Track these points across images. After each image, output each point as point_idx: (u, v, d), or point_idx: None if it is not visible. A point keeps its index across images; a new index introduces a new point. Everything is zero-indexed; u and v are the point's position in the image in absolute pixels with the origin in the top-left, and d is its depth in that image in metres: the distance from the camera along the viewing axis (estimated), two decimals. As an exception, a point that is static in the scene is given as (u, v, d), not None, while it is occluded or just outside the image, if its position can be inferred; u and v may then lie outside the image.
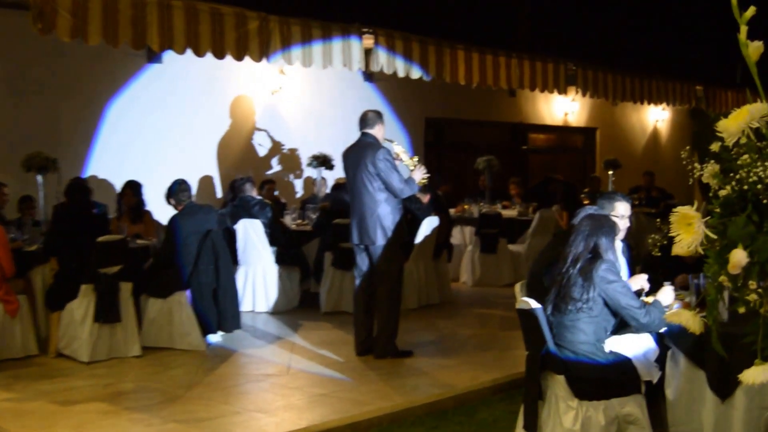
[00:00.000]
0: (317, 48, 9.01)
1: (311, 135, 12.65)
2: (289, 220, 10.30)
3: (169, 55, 10.56)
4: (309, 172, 12.46)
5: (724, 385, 4.36)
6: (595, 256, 4.54)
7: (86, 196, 8.04)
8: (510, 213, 12.31)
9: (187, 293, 7.67)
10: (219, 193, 11.67)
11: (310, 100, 12.82)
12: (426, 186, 8.66)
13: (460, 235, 12.05)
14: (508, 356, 7.38)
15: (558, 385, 4.51)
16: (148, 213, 9.22)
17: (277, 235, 9.46)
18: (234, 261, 9.03)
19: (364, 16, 9.66)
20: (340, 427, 5.64)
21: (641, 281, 4.99)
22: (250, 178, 9.74)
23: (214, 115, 11.70)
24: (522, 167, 16.67)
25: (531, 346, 4.73)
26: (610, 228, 4.64)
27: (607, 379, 4.49)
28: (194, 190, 9.81)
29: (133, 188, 9.12)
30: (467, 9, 12.85)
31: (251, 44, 8.42)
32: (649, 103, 14.82)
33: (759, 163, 2.67)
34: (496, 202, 12.60)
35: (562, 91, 12.77)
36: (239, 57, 8.42)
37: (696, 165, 2.92)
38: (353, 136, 7.52)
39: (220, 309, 7.83)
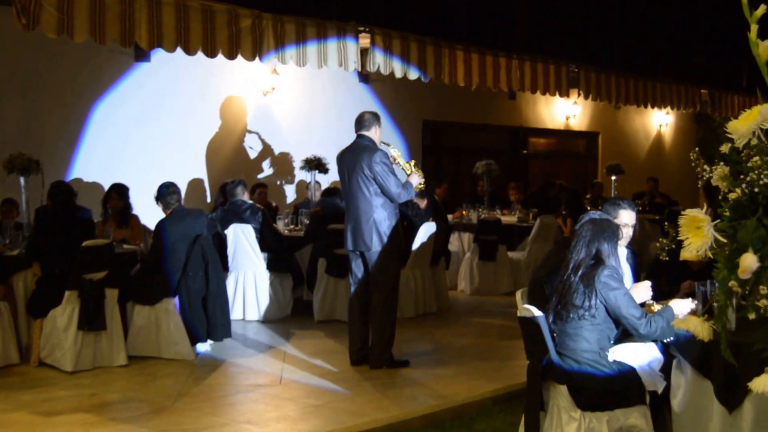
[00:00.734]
0: (312, 47, 9.01)
1: (305, 137, 12.65)
2: (282, 226, 10.29)
3: (157, 54, 10.60)
4: (302, 175, 12.46)
5: (732, 396, 4.36)
6: (598, 262, 4.56)
7: (70, 199, 8.03)
8: (510, 219, 12.34)
9: (176, 300, 7.66)
10: (209, 197, 11.67)
11: (303, 102, 12.84)
12: (423, 191, 8.68)
13: (458, 242, 12.06)
14: (508, 366, 7.39)
15: (560, 396, 4.52)
16: (135, 217, 9.23)
17: (268, 240, 9.45)
18: (224, 267, 9.03)
19: (360, 15, 9.69)
20: (335, 439, 5.65)
21: (644, 290, 4.99)
22: (242, 182, 9.73)
23: (204, 116, 11.70)
24: (522, 172, 16.72)
25: (532, 355, 4.73)
26: (612, 233, 4.65)
27: (610, 390, 4.51)
28: (183, 193, 9.83)
29: (119, 191, 9.12)
30: (467, 8, 12.88)
31: (244, 42, 8.42)
32: (653, 107, 14.85)
33: (770, 165, 2.69)
34: (495, 208, 12.63)
35: (564, 93, 12.79)
36: (231, 56, 8.42)
37: (705, 167, 2.93)
38: (348, 138, 7.53)
39: (209, 317, 7.82)
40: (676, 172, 18.92)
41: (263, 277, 9.43)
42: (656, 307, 4.77)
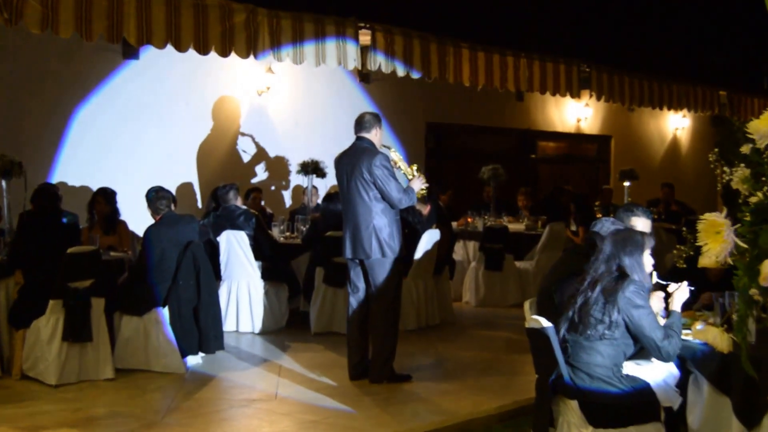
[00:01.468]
0: (309, 44, 9.04)
1: (301, 140, 12.67)
2: (277, 233, 10.31)
3: (146, 51, 10.61)
4: (298, 180, 12.44)
5: (752, 413, 4.37)
6: (622, 275, 4.55)
7: (55, 203, 8.04)
8: (517, 227, 12.34)
9: (165, 311, 7.67)
10: (200, 202, 11.69)
11: (300, 102, 12.85)
12: (426, 197, 8.68)
13: (463, 251, 12.07)
14: (515, 381, 7.40)
15: (571, 412, 4.53)
16: (123, 223, 9.23)
17: (263, 248, 9.47)
18: (216, 276, 9.01)
19: (360, 10, 9.68)
20: (332, 457, 5.66)
21: (657, 302, 4.97)
22: (234, 186, 9.74)
23: (195, 117, 11.72)
24: (530, 177, 16.71)
25: (541, 369, 4.75)
26: (635, 245, 4.61)
27: (624, 405, 4.52)
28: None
29: (105, 196, 9.13)
30: (472, 3, 12.89)
31: (237, 39, 8.45)
32: (668, 109, 14.89)
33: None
34: (502, 215, 12.63)
35: (575, 94, 12.82)
36: (224, 53, 8.45)
37: (725, 169, 2.94)
38: (347, 140, 7.54)
39: (200, 328, 7.82)
40: (693, 179, 18.93)
41: (258, 286, 9.44)
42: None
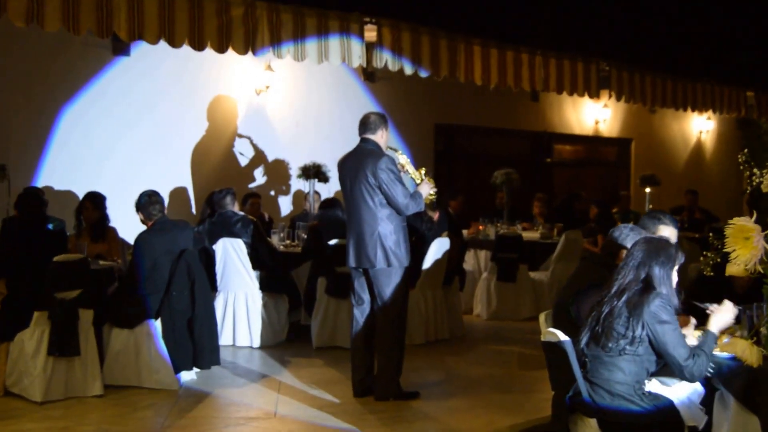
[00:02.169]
0: (311, 40, 9.06)
1: (302, 142, 12.69)
2: (277, 240, 10.31)
3: (138, 48, 10.64)
4: (299, 184, 12.49)
5: (782, 432, 4.37)
6: (647, 287, 4.53)
7: (40, 208, 8.04)
8: (532, 235, 12.32)
9: (158, 323, 7.67)
10: (194, 208, 11.70)
11: (301, 102, 12.88)
12: (434, 202, 8.68)
13: (474, 260, 12.06)
14: (530, 398, 7.38)
15: (589, 430, 4.52)
16: (112, 230, 9.22)
17: (262, 257, 9.46)
18: (212, 287, 9.03)
19: (365, 4, 9.70)
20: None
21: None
22: (231, 191, 9.75)
23: (189, 117, 11.75)
24: (545, 183, 16.71)
25: (558, 385, 4.74)
26: (668, 256, 4.58)
27: (646, 425, 4.50)
28: (166, 203, 9.84)
29: (94, 201, 9.12)
30: (485, -2, 12.92)
31: (235, 34, 8.47)
32: (692, 111, 14.88)
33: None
34: (515, 223, 12.62)
35: (594, 94, 12.83)
36: (221, 49, 8.47)
37: (755, 171, 2.94)
38: (351, 143, 7.53)
39: (195, 342, 7.82)
40: (718, 185, 18.93)
41: (256, 298, 9.44)
42: (694, 335, 4.75)
